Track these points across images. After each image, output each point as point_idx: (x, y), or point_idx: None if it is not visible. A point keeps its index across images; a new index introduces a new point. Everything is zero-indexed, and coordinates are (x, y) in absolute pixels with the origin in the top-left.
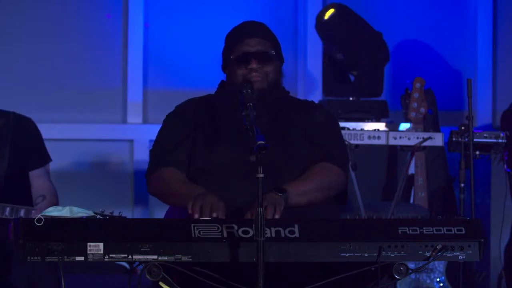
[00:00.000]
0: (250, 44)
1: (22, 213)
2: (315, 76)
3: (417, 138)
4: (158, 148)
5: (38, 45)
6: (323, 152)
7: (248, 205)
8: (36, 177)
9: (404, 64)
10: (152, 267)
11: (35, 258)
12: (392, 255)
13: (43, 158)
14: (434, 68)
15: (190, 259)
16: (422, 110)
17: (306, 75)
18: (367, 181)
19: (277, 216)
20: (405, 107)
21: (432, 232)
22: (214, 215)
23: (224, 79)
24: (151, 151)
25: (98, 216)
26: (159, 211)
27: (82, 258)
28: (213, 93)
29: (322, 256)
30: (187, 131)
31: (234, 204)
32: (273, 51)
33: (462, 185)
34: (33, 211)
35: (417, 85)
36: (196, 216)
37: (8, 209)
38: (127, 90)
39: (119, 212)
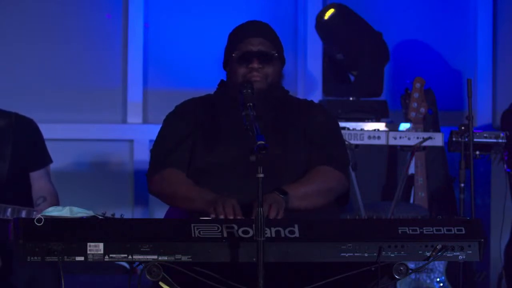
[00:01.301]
0: (252, 43)
1: (23, 214)
2: (315, 76)
3: (417, 138)
4: (159, 148)
5: (38, 45)
6: (323, 153)
7: (251, 204)
8: (37, 179)
9: (404, 64)
10: (152, 267)
11: (35, 258)
12: (392, 255)
13: (44, 159)
14: (434, 68)
15: (190, 259)
16: (422, 110)
17: (306, 75)
18: (367, 181)
19: (279, 217)
20: (405, 107)
21: (432, 232)
22: (238, 217)
23: (224, 78)
24: (151, 151)
25: (100, 217)
26: (159, 211)
27: (82, 258)
28: (212, 93)
29: (322, 256)
30: (187, 131)
31: None
32: (274, 52)
33: (462, 185)
34: (34, 212)
35: (417, 85)
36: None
37: (9, 210)
38: (127, 90)
39: (121, 215)
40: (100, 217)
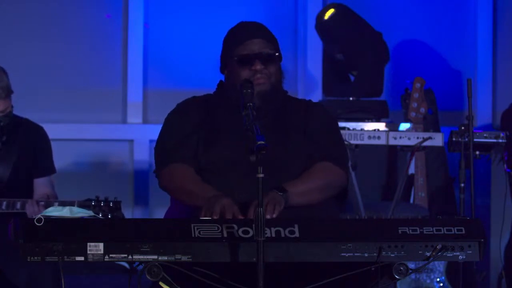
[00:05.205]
0: (252, 45)
1: (18, 205)
2: (315, 76)
3: (417, 138)
4: (163, 144)
5: (38, 45)
6: (322, 150)
7: (250, 204)
8: (40, 185)
9: (404, 64)
10: (152, 267)
11: (35, 258)
12: (392, 255)
13: (48, 169)
14: (434, 68)
15: (190, 259)
16: (422, 110)
17: (306, 75)
18: (367, 181)
19: (275, 215)
20: (405, 107)
21: (432, 232)
22: (240, 217)
23: (223, 80)
24: (155, 149)
25: (99, 215)
26: (159, 211)
27: (82, 258)
28: (212, 93)
29: (322, 256)
30: (190, 128)
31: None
32: (275, 52)
33: (462, 185)
34: (29, 201)
35: (417, 85)
36: (215, 217)
37: (4, 203)
38: (127, 90)
39: (114, 197)
40: (93, 201)
